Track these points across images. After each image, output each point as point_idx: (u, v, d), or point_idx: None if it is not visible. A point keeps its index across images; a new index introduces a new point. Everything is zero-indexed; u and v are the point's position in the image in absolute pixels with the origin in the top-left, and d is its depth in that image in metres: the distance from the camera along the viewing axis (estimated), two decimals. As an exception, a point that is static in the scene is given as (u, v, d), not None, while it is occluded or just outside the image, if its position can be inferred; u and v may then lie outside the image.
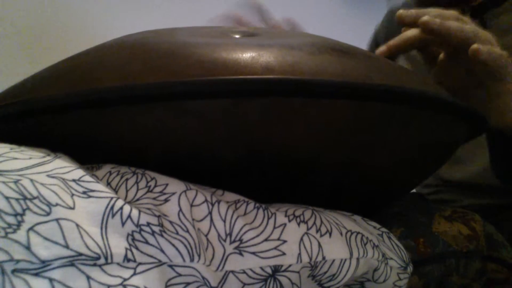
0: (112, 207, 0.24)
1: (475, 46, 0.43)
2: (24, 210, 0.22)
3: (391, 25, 0.84)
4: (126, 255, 0.23)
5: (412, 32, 0.48)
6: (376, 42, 0.89)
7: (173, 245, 0.25)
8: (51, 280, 0.21)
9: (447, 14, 0.47)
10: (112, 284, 0.22)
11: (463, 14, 0.52)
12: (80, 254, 0.22)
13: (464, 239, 0.39)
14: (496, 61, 0.44)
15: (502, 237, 0.42)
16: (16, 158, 0.25)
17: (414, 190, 0.83)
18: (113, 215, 0.24)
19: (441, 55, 0.50)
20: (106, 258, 0.23)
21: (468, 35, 0.44)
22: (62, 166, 0.26)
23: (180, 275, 0.25)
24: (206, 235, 0.28)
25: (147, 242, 0.24)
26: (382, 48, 0.49)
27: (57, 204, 0.23)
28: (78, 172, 0.26)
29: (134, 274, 0.23)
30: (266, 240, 0.29)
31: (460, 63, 0.47)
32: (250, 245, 0.28)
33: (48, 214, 0.22)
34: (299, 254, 0.30)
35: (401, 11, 0.48)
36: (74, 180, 0.25)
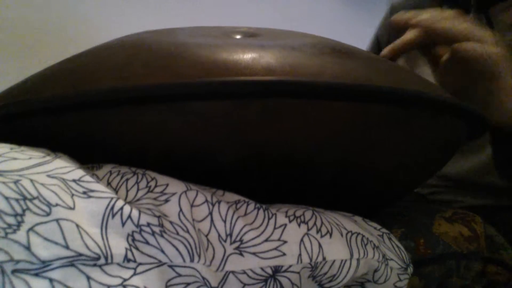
0: (112, 208, 0.24)
1: (455, 45, 0.45)
2: (24, 211, 0.22)
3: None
4: (126, 256, 0.23)
5: (412, 34, 0.49)
6: (378, 42, 0.89)
7: (173, 246, 0.25)
8: (51, 280, 0.21)
9: (443, 14, 0.47)
10: (112, 285, 0.22)
11: (469, 10, 0.52)
12: (80, 255, 0.22)
13: (465, 241, 0.39)
14: (484, 60, 0.45)
15: (502, 239, 0.42)
16: (16, 158, 0.25)
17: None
18: (113, 216, 0.24)
19: (445, 55, 0.50)
20: (106, 259, 0.23)
21: (455, 34, 0.46)
22: (62, 166, 0.26)
23: (180, 275, 0.25)
24: (206, 236, 0.27)
25: (147, 243, 0.24)
26: (386, 51, 0.49)
27: (57, 205, 0.23)
28: (78, 172, 0.26)
29: (134, 274, 0.23)
30: (266, 240, 0.29)
31: (460, 62, 0.48)
32: (250, 246, 0.28)
33: (48, 214, 0.22)
34: (300, 254, 0.30)
35: (393, 17, 0.49)
36: (74, 180, 0.25)
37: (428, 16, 0.48)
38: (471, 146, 0.70)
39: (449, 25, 0.46)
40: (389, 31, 0.85)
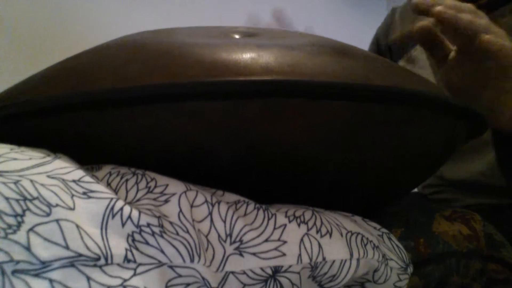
0: (112, 208, 0.24)
1: (487, 36, 0.43)
2: (24, 211, 0.22)
3: (393, 25, 0.84)
4: (126, 256, 0.23)
5: (425, 22, 0.48)
6: (377, 44, 0.89)
7: (173, 246, 0.25)
8: (51, 281, 0.21)
9: (463, 6, 0.46)
10: (112, 285, 0.22)
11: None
12: (80, 255, 0.22)
13: (464, 239, 0.39)
14: (506, 57, 0.44)
15: (502, 237, 0.42)
16: (16, 159, 0.25)
17: (415, 190, 0.83)
18: (113, 216, 0.24)
19: (452, 52, 0.49)
20: (106, 259, 0.23)
21: (479, 28, 0.44)
22: (62, 166, 0.26)
23: (180, 275, 0.25)
24: (206, 236, 0.27)
25: (147, 243, 0.24)
26: (396, 35, 0.49)
27: (57, 205, 0.23)
28: (78, 173, 0.26)
29: (134, 275, 0.23)
30: (266, 240, 0.29)
31: (471, 59, 0.47)
32: (250, 246, 0.28)
33: (48, 214, 0.22)
34: (299, 254, 0.30)
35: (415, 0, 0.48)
36: (74, 181, 0.25)
37: (452, 5, 0.47)
38: (476, 149, 0.70)
39: (472, 18, 0.45)
40: (389, 27, 0.85)
